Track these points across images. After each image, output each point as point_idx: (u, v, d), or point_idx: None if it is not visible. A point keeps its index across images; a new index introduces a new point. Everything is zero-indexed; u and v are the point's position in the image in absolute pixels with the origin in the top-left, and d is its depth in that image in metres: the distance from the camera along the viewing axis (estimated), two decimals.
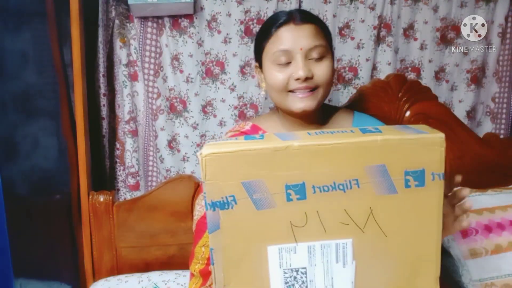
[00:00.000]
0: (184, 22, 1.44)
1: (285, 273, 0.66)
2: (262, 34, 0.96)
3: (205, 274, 0.97)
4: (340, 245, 0.66)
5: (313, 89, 0.91)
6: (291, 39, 0.90)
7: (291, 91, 0.91)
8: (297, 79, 0.89)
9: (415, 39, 1.55)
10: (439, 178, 0.65)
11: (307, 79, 0.89)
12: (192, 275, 1.00)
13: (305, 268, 0.66)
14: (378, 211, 0.65)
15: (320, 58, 0.91)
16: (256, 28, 1.46)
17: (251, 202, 0.63)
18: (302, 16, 0.92)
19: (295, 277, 0.66)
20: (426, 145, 0.64)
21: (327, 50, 0.93)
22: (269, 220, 0.64)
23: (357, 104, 1.31)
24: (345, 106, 1.33)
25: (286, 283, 0.66)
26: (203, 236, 0.97)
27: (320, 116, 1.00)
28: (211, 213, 0.63)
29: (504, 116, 1.63)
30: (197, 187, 1.35)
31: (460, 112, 1.60)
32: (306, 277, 0.66)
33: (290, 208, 0.64)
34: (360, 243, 0.66)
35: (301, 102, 0.91)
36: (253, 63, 1.48)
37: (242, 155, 0.63)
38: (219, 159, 0.62)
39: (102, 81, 1.44)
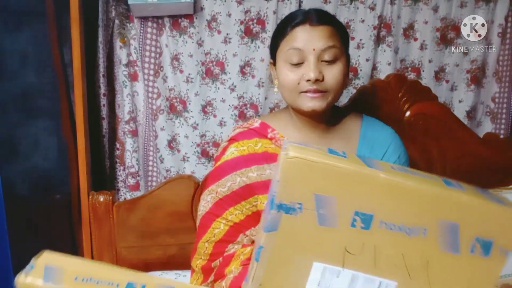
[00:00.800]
0: (184, 22, 1.44)
1: None
2: (278, 32, 0.97)
3: (206, 271, 0.96)
4: (384, 284, 0.65)
5: (322, 91, 0.91)
6: (305, 39, 0.91)
7: (302, 92, 0.92)
8: (308, 80, 0.89)
9: (415, 39, 1.55)
10: (504, 254, 0.63)
11: (317, 81, 0.89)
12: (193, 270, 1.00)
13: None
14: (434, 265, 0.64)
15: (333, 61, 0.91)
16: (256, 29, 1.46)
17: (316, 215, 0.62)
18: (319, 17, 0.92)
19: None
20: (506, 219, 0.63)
21: (341, 52, 0.93)
22: (325, 237, 0.63)
23: (357, 104, 1.31)
24: (346, 106, 1.33)
25: None
26: (207, 231, 0.97)
27: (329, 117, 1.00)
28: (274, 213, 0.62)
29: (504, 116, 1.63)
30: (197, 187, 1.35)
31: (460, 112, 1.60)
32: None
33: (350, 234, 0.63)
34: None
35: (310, 102, 0.91)
36: (253, 63, 1.49)
37: (325, 168, 0.61)
38: (302, 165, 0.61)
39: (102, 81, 1.44)
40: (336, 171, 0.61)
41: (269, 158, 0.97)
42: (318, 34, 0.91)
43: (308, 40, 0.90)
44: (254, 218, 0.95)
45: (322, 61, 0.91)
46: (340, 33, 0.95)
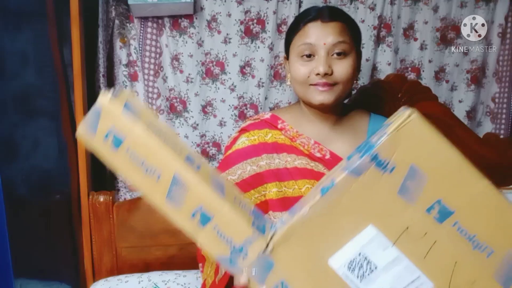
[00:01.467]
0: (184, 22, 1.44)
1: (359, 254, 0.63)
2: (292, 28, 1.01)
3: None
4: (421, 279, 0.63)
5: (331, 85, 0.94)
6: (316, 34, 0.94)
7: (312, 85, 0.95)
8: (317, 74, 0.92)
9: (415, 39, 1.55)
10: None
11: (326, 74, 0.92)
12: (203, 258, 1.00)
13: (376, 267, 0.63)
14: (479, 285, 0.62)
15: (343, 56, 0.94)
16: (256, 29, 1.47)
17: (400, 184, 0.61)
18: (330, 14, 0.96)
19: (361, 265, 0.63)
20: None
21: (351, 47, 0.96)
22: (395, 208, 0.61)
23: (358, 104, 1.31)
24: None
25: (350, 261, 0.63)
26: None
27: (338, 111, 1.03)
28: (366, 160, 0.60)
29: (504, 116, 1.63)
30: None
31: (460, 112, 1.60)
32: (369, 274, 0.63)
33: (420, 217, 0.61)
34: None
35: (320, 95, 0.94)
36: (253, 63, 1.49)
37: (440, 146, 0.60)
38: (421, 131, 0.59)
39: (102, 81, 1.44)
40: (447, 153, 0.60)
41: (278, 148, 0.99)
42: (329, 30, 0.94)
43: (319, 35, 0.94)
44: (262, 207, 0.97)
45: (332, 56, 0.94)
46: (351, 29, 0.98)
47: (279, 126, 1.02)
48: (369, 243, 0.63)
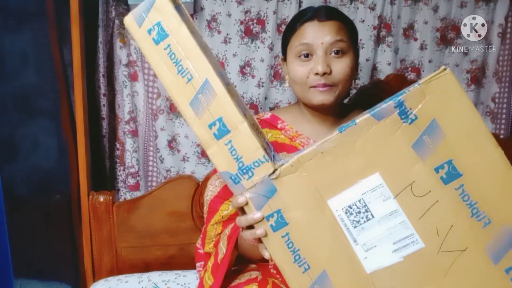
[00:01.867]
0: None
1: (358, 201, 0.64)
2: (288, 28, 1.00)
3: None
4: (413, 238, 0.63)
5: (331, 85, 0.93)
6: (314, 34, 0.93)
7: (312, 87, 0.94)
8: (316, 74, 0.92)
9: (415, 39, 1.55)
10: None
11: (325, 74, 0.91)
12: (208, 255, 1.00)
13: (374, 217, 0.64)
14: (467, 257, 0.61)
15: (341, 55, 0.93)
16: (256, 29, 1.47)
17: (417, 137, 0.61)
18: (327, 13, 0.96)
19: (359, 212, 0.64)
20: None
21: (349, 46, 0.95)
22: (404, 161, 0.61)
23: (358, 104, 1.31)
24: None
25: (349, 205, 0.64)
26: (215, 214, 0.99)
27: (338, 111, 1.02)
28: (390, 106, 0.61)
29: (504, 116, 1.63)
30: (197, 187, 1.35)
31: None
32: (365, 222, 0.64)
33: (426, 175, 0.61)
34: (424, 256, 0.63)
35: (320, 96, 0.93)
36: (253, 63, 1.49)
37: (466, 106, 0.60)
38: (451, 88, 0.59)
39: (102, 81, 1.44)
40: (471, 116, 0.60)
41: (278, 147, 0.99)
42: (326, 29, 0.93)
43: (316, 35, 0.93)
44: None
45: (330, 55, 0.93)
46: (348, 28, 0.97)
47: (278, 126, 1.02)
48: (371, 191, 0.63)
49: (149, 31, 0.66)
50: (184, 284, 1.27)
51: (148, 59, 0.67)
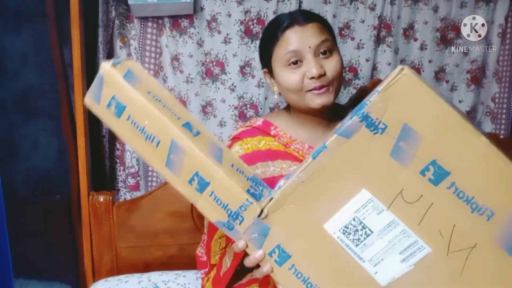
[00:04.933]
0: (184, 22, 1.44)
1: (353, 219, 0.62)
2: (268, 39, 0.97)
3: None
4: (418, 245, 0.61)
5: (327, 86, 0.92)
6: (298, 39, 0.91)
7: (308, 91, 0.92)
8: (312, 77, 0.90)
9: (415, 39, 1.55)
10: None
11: (320, 76, 0.90)
12: (212, 266, 1.00)
13: (372, 232, 0.62)
14: (478, 253, 0.59)
15: (329, 54, 0.92)
16: (256, 29, 1.46)
17: (392, 145, 0.58)
18: (305, 16, 0.94)
19: (356, 230, 0.63)
20: None
21: (334, 44, 0.95)
22: (388, 171, 0.59)
23: (357, 105, 1.31)
24: (346, 106, 1.33)
25: (345, 226, 0.63)
26: (218, 229, 0.98)
27: (331, 113, 1.01)
28: (355, 121, 0.58)
29: (504, 116, 1.63)
30: None
31: None
32: (364, 238, 0.62)
33: (414, 180, 0.58)
34: (434, 260, 0.61)
35: (318, 99, 0.92)
36: (253, 63, 1.49)
37: (434, 103, 0.56)
38: (413, 88, 0.55)
39: None
40: (442, 110, 0.55)
41: (273, 155, 0.97)
42: (309, 32, 0.92)
43: (301, 39, 0.91)
44: None
45: (319, 55, 0.92)
46: (328, 28, 0.96)
47: (272, 133, 1.00)
48: (363, 207, 0.61)
49: (108, 106, 0.66)
50: (184, 284, 1.27)
51: (116, 132, 0.67)
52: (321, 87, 0.91)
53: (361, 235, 0.63)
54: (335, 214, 0.63)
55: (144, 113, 0.65)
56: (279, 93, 0.99)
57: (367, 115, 0.58)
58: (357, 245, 0.63)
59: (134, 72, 0.68)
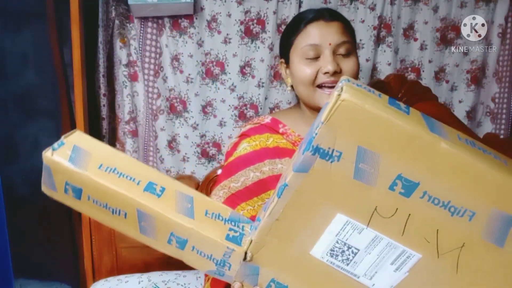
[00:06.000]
0: (184, 23, 1.44)
1: (337, 242, 0.62)
2: (291, 29, 0.98)
3: None
4: (407, 253, 0.61)
5: None
6: (320, 34, 0.93)
7: (319, 86, 0.93)
8: (326, 72, 0.91)
9: (415, 40, 1.55)
10: None
11: (335, 73, 0.91)
12: None
13: (359, 250, 0.62)
14: (469, 250, 0.58)
15: (347, 54, 0.93)
16: (256, 29, 1.47)
17: (353, 168, 0.56)
18: (331, 14, 0.96)
19: (343, 251, 0.63)
20: None
21: (353, 47, 0.96)
22: (357, 193, 0.57)
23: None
24: None
25: (331, 249, 0.63)
26: None
27: None
28: (308, 155, 0.56)
29: (504, 116, 1.63)
30: (197, 187, 1.35)
31: (460, 112, 1.60)
32: (353, 256, 0.63)
33: (385, 196, 0.57)
34: (427, 264, 0.60)
35: (328, 98, 0.91)
36: (253, 63, 1.49)
37: (380, 122, 0.53)
38: (354, 112, 0.53)
39: (102, 81, 1.44)
40: (391, 128, 0.53)
41: (280, 153, 0.98)
42: (332, 29, 0.93)
43: (323, 35, 0.93)
44: None
45: (337, 54, 0.93)
46: (351, 30, 0.98)
47: (280, 131, 1.00)
48: (343, 230, 0.61)
49: (66, 192, 0.66)
50: (184, 284, 1.27)
51: (83, 212, 0.67)
52: (332, 82, 0.91)
53: (349, 255, 0.63)
54: (317, 241, 0.63)
55: (101, 191, 0.64)
56: (292, 86, 1.00)
57: (318, 147, 0.56)
58: (347, 264, 0.63)
59: (81, 146, 0.66)
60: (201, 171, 1.52)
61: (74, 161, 0.64)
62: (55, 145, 0.65)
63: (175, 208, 0.65)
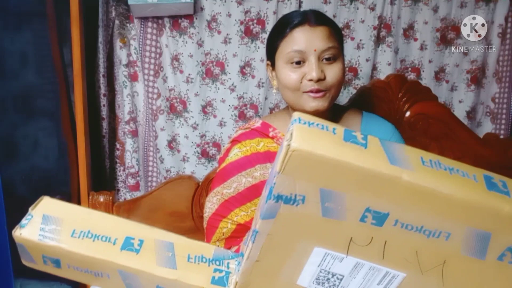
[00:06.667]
0: (184, 23, 1.44)
1: (320, 272, 0.62)
2: (276, 33, 0.97)
3: None
4: (391, 274, 0.61)
5: (324, 91, 0.92)
6: (306, 40, 0.92)
7: (305, 92, 0.92)
8: (310, 80, 0.90)
9: (415, 40, 1.55)
10: None
11: (319, 80, 0.90)
12: None
13: (344, 275, 0.62)
14: (451, 265, 0.58)
15: (332, 60, 0.93)
16: (256, 29, 1.47)
17: (320, 208, 0.56)
18: (317, 18, 0.94)
19: (328, 278, 0.63)
20: None
21: (339, 52, 0.95)
22: (329, 228, 0.58)
23: (357, 105, 1.31)
24: (345, 106, 1.33)
25: (316, 278, 0.63)
26: (215, 232, 0.98)
27: (330, 115, 1.01)
28: (272, 203, 0.56)
29: (504, 116, 1.63)
30: (197, 188, 1.35)
31: (460, 112, 1.60)
32: (339, 282, 0.63)
33: (359, 228, 0.57)
34: (413, 281, 0.61)
35: (313, 102, 0.92)
36: (253, 63, 1.49)
37: (336, 165, 0.53)
38: (308, 158, 0.53)
39: (102, 81, 1.44)
40: (348, 169, 0.53)
41: (271, 157, 0.97)
42: (317, 34, 0.92)
43: (308, 40, 0.91)
44: None
45: (322, 60, 0.92)
46: (337, 34, 0.96)
47: (270, 135, 1.00)
48: (323, 261, 0.61)
49: (45, 263, 0.66)
50: None
51: (69, 278, 0.68)
52: (317, 91, 0.91)
53: (335, 281, 0.63)
54: (301, 272, 0.63)
55: (79, 260, 0.64)
56: (277, 89, 1.00)
57: (279, 195, 0.55)
58: None
59: (50, 214, 0.66)
60: (201, 171, 1.52)
61: (45, 235, 0.64)
62: (24, 220, 0.64)
63: (155, 261, 0.65)
